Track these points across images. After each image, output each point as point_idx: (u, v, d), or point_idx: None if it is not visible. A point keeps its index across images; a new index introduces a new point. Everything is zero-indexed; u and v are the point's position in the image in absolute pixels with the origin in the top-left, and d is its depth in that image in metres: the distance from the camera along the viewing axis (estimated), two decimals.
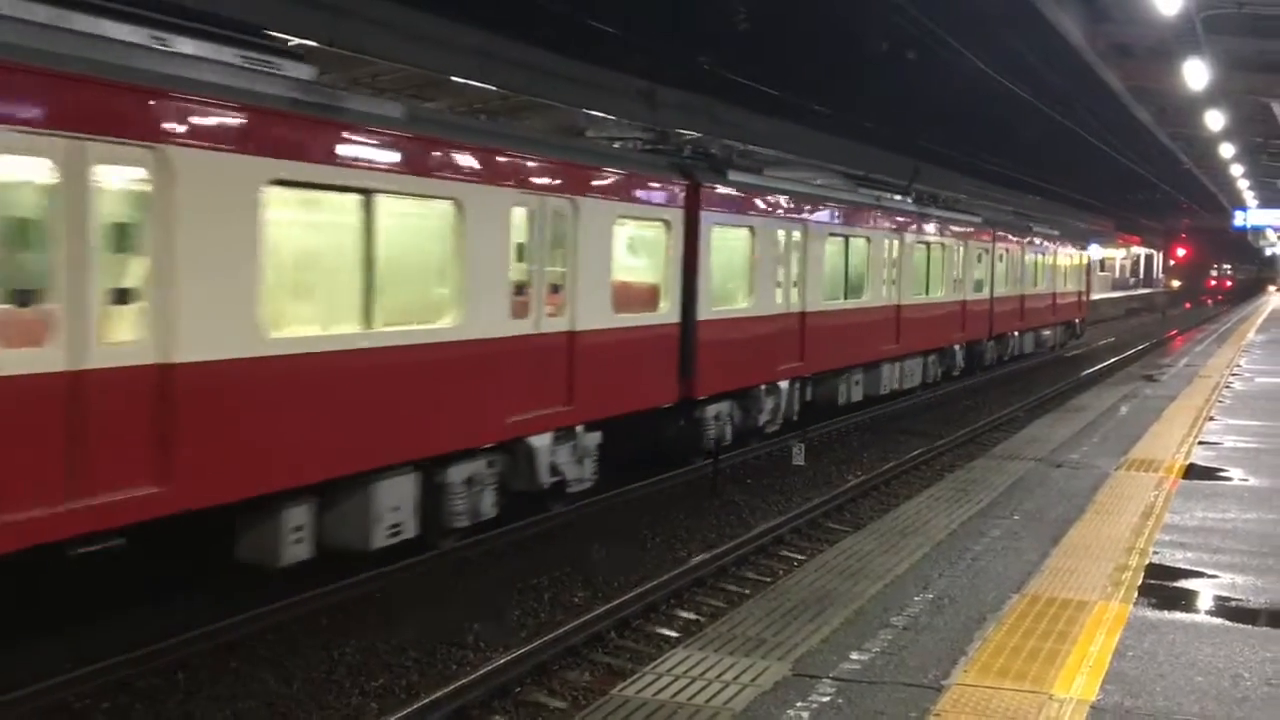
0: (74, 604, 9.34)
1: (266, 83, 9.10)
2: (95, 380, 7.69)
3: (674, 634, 10.19)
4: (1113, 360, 36.17)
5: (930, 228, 25.15)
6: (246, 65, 9.07)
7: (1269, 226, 68.14)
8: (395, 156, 10.23)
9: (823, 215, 19.54)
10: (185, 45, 8.62)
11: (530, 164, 12.06)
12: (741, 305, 16.83)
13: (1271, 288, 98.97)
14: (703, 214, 15.39)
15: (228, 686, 8.60)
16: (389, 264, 10.15)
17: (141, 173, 8.07)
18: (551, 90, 23.72)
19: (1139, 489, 11.51)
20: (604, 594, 11.07)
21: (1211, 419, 16.74)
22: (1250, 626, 7.38)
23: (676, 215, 14.97)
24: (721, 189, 16.13)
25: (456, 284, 11.03)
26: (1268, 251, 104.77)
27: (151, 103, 8.07)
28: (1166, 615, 7.51)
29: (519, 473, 12.21)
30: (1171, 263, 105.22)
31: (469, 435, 11.25)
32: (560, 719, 8.34)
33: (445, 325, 10.95)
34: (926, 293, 24.96)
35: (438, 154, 10.79)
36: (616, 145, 16.12)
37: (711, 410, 16.22)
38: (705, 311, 15.52)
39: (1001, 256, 30.68)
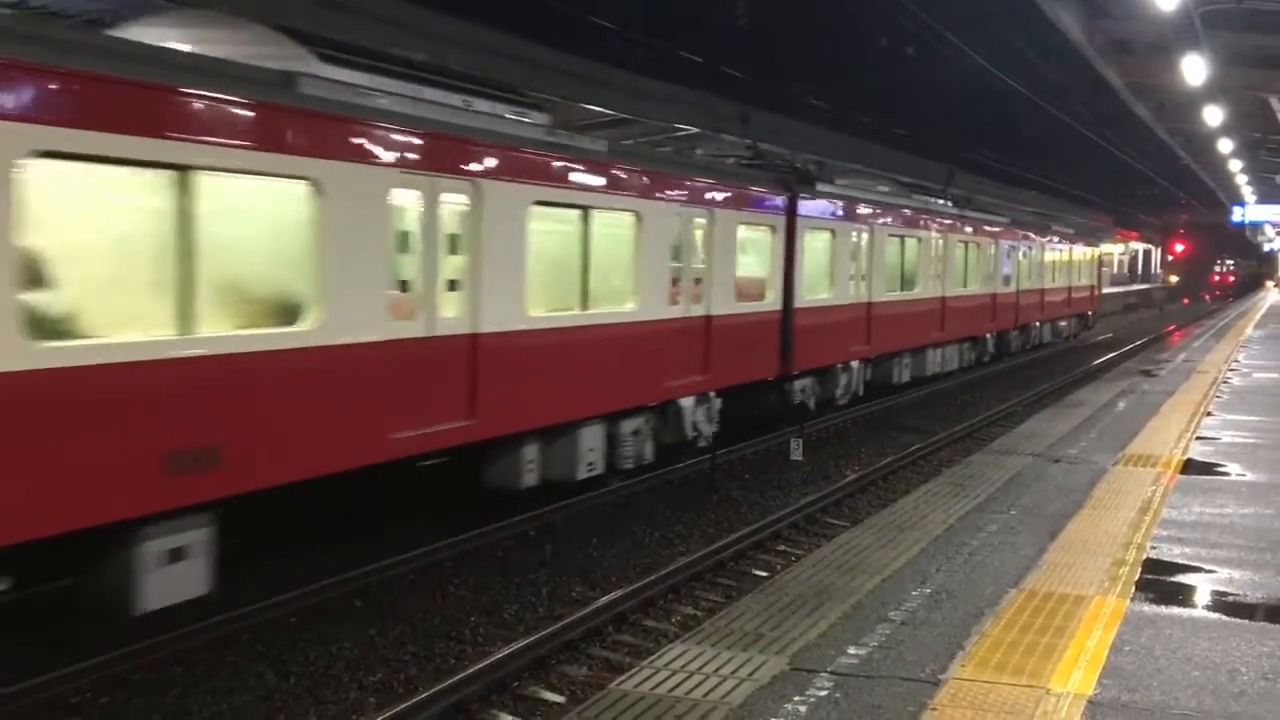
0: (68, 599, 9.33)
1: (528, 130, 12.16)
2: (437, 343, 10.71)
3: (672, 629, 10.22)
4: (1111, 355, 36.20)
5: (968, 228, 27.58)
6: (513, 117, 12.05)
7: (1267, 222, 67.88)
8: (602, 181, 13.25)
9: (885, 218, 22.18)
10: (480, 104, 11.57)
11: (684, 182, 15.09)
12: (825, 296, 19.63)
13: (1269, 283, 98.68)
14: (798, 220, 18.15)
15: (225, 681, 8.61)
16: (595, 261, 13.13)
17: (464, 199, 11.04)
18: (549, 85, 23.66)
19: (1137, 484, 11.50)
20: (602, 589, 11.09)
21: (1209, 414, 16.73)
22: (1247, 621, 7.38)
23: (779, 221, 17.87)
24: (812, 199, 18.91)
25: (634, 277, 13.97)
26: (1266, 247, 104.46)
27: (472, 149, 11.13)
28: (1164, 610, 7.50)
29: (668, 427, 15.03)
30: (1169, 258, 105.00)
31: (640, 395, 14.19)
32: (558, 713, 8.33)
33: (628, 309, 13.89)
34: (965, 286, 27.53)
35: (628, 178, 13.79)
36: (726, 161, 18.91)
37: (799, 385, 18.96)
38: (800, 301, 18.27)
39: (1025, 254, 32.92)
